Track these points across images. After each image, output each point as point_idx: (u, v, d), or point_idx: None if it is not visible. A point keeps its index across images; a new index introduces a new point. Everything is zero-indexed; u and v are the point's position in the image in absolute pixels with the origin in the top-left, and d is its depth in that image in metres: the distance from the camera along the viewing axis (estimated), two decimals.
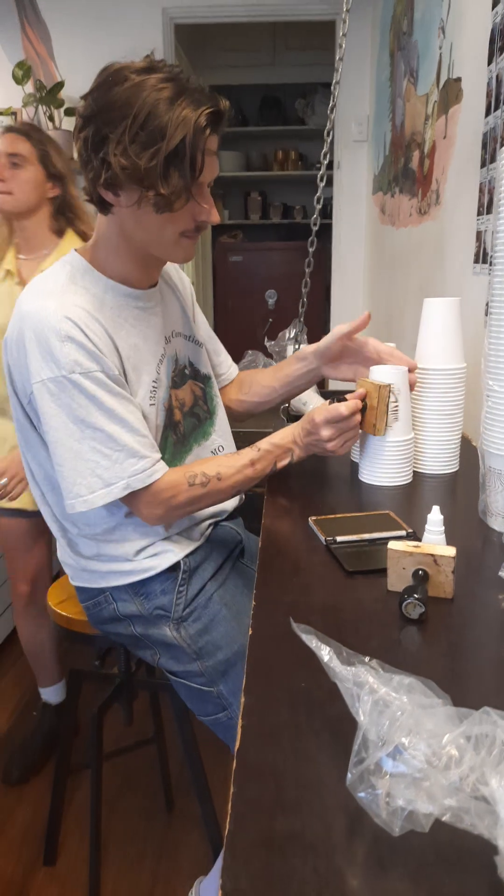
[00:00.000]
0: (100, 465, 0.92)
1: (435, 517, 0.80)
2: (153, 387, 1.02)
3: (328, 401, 1.04)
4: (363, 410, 1.04)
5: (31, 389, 0.93)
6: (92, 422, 0.91)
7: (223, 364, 1.27)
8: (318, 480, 1.16)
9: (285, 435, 1.04)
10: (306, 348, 1.18)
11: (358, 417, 1.03)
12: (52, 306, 0.91)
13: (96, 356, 0.91)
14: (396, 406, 1.06)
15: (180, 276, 1.21)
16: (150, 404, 1.02)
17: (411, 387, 1.10)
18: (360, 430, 1.07)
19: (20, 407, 0.99)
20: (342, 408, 1.01)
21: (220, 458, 1.04)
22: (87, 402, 0.91)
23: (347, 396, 1.04)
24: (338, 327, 1.13)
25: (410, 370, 1.10)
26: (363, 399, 1.04)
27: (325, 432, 1.00)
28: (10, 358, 0.96)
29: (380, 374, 1.06)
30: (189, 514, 1.05)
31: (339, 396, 1.04)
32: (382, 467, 1.08)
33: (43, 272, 0.99)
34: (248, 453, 1.02)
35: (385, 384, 1.03)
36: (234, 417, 1.28)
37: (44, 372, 0.90)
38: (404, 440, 1.08)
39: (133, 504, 0.98)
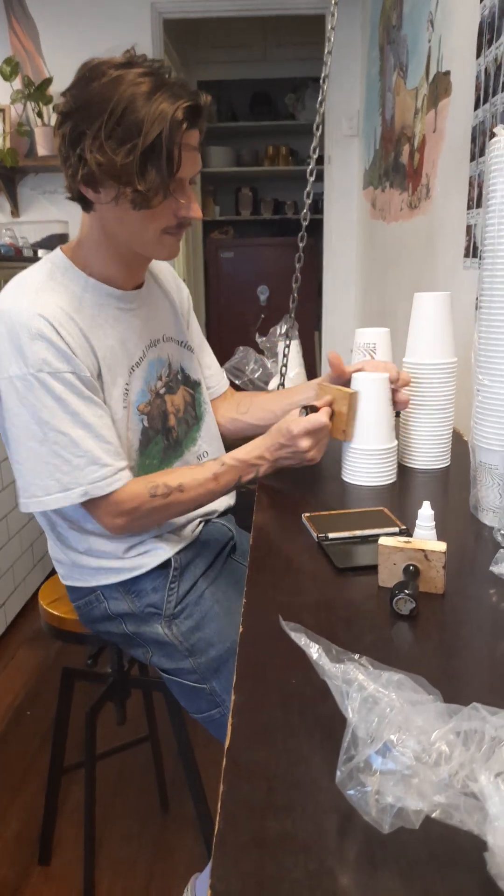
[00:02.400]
0: (59, 469, 0.91)
1: (426, 512, 0.80)
2: (125, 389, 1.01)
3: (298, 410, 1.03)
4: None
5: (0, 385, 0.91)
6: (55, 424, 0.90)
7: (213, 377, 1.25)
8: (309, 477, 1.16)
9: (251, 450, 1.02)
10: (310, 384, 1.16)
11: (329, 427, 1.02)
12: (26, 303, 0.90)
13: (67, 356, 0.90)
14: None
15: (178, 283, 1.20)
16: (123, 407, 1.00)
17: (404, 385, 1.07)
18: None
19: None
20: (323, 417, 0.99)
21: (184, 469, 1.03)
22: (52, 404, 0.89)
23: (317, 404, 1.03)
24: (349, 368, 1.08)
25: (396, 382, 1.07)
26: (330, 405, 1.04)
27: (305, 443, 0.99)
28: None
29: (361, 381, 1.05)
30: (153, 526, 1.03)
31: (307, 407, 1.03)
32: (367, 469, 1.07)
33: (24, 270, 0.99)
34: (212, 466, 1.01)
35: (353, 391, 1.03)
36: (226, 436, 1.25)
37: (12, 368, 0.89)
38: (389, 447, 1.07)
39: (94, 512, 0.96)
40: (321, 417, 0.99)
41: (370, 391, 1.04)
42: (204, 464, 1.02)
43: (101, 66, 0.87)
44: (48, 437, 0.90)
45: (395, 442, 1.08)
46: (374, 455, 1.05)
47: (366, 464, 1.05)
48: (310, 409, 1.03)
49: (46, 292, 0.93)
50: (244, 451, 1.02)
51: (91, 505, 0.94)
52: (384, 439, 1.06)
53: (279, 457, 1.01)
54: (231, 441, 1.26)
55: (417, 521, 0.80)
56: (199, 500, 1.01)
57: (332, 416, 1.03)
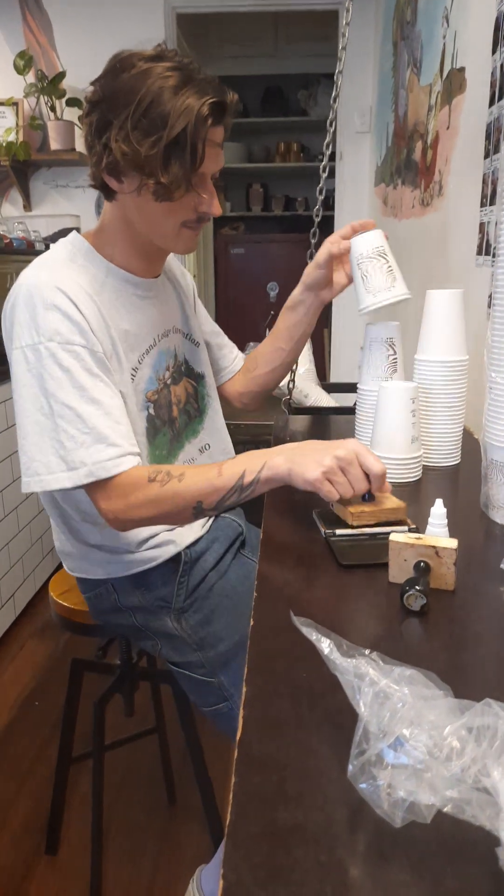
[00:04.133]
0: (63, 446, 0.86)
1: (438, 510, 0.80)
2: (132, 374, 1.00)
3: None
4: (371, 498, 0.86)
5: (12, 356, 0.91)
6: (61, 396, 0.86)
7: (227, 357, 1.26)
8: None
9: (266, 450, 0.91)
10: (294, 295, 1.14)
11: (366, 489, 0.84)
12: (45, 276, 0.90)
13: (82, 330, 0.89)
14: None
15: (182, 271, 1.20)
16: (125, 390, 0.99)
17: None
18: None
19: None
20: (382, 466, 0.83)
21: (194, 465, 0.98)
22: (60, 375, 0.87)
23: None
24: (319, 254, 1.07)
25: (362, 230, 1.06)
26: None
27: (345, 454, 0.82)
28: (4, 326, 0.95)
29: (358, 242, 1.04)
30: (150, 520, 0.93)
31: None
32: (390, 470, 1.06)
33: (45, 251, 0.99)
34: (220, 462, 0.91)
35: (402, 506, 0.87)
36: (253, 399, 1.25)
37: (24, 338, 0.88)
38: (415, 457, 1.06)
39: (93, 495, 0.91)
40: (382, 468, 0.83)
41: (394, 400, 1.02)
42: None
43: (131, 57, 0.88)
44: (54, 410, 0.87)
45: (421, 451, 1.07)
46: (400, 461, 1.04)
47: (389, 465, 1.05)
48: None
49: (67, 270, 0.93)
50: (259, 450, 0.92)
51: (92, 487, 0.90)
52: (410, 448, 1.04)
53: (297, 452, 0.86)
54: (251, 411, 1.24)
55: (430, 519, 0.80)
56: (200, 494, 0.88)
57: (372, 497, 0.86)
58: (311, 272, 1.10)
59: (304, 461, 0.83)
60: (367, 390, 1.14)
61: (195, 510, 0.89)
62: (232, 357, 1.27)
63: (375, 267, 1.04)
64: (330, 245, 1.06)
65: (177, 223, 0.95)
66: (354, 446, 0.83)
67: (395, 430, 1.03)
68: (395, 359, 1.08)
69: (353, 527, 0.85)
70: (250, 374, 1.25)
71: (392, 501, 0.87)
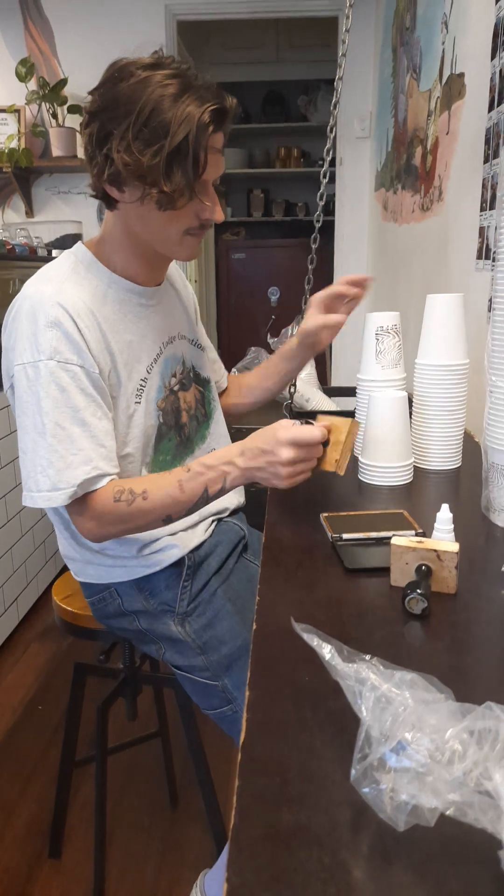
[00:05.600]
0: (52, 466, 0.89)
1: (444, 515, 0.80)
2: (140, 384, 1.01)
3: (294, 422, 0.91)
4: (324, 445, 0.92)
5: (13, 372, 0.92)
6: (55, 416, 0.89)
7: (217, 372, 1.27)
8: (321, 476, 1.16)
9: (223, 454, 0.93)
10: (289, 345, 1.19)
11: (320, 450, 0.91)
12: (48, 291, 0.91)
13: (80, 349, 0.90)
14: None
15: (184, 281, 1.21)
16: (136, 402, 1.01)
17: (360, 290, 1.13)
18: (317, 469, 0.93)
19: (10, 389, 0.97)
20: (316, 431, 0.88)
21: (154, 475, 0.97)
22: (56, 394, 0.89)
23: (314, 424, 0.92)
24: (316, 318, 1.12)
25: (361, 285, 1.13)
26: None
27: (287, 453, 0.87)
28: (5, 339, 0.96)
29: (378, 318, 1.11)
30: (121, 534, 0.97)
31: (303, 415, 0.98)
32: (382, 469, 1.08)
33: (50, 262, 1.00)
34: (178, 473, 0.93)
35: (355, 420, 0.93)
36: (233, 417, 1.28)
37: (26, 355, 0.90)
38: (406, 464, 1.08)
39: (72, 514, 0.94)
40: (314, 432, 0.88)
41: (387, 409, 1.05)
42: (172, 470, 0.95)
43: (129, 66, 0.88)
44: (47, 430, 0.89)
45: (412, 458, 1.10)
46: (391, 468, 1.07)
47: (381, 471, 1.07)
48: (305, 421, 0.92)
49: (70, 284, 0.94)
50: (215, 456, 0.93)
51: (70, 507, 0.93)
52: (402, 456, 1.07)
53: (253, 466, 0.90)
54: (240, 421, 1.30)
55: (436, 525, 0.80)
56: (166, 511, 0.92)
57: (326, 443, 0.91)
58: (307, 333, 1.13)
59: (263, 476, 0.90)
60: (368, 380, 1.16)
61: (165, 521, 0.94)
62: (221, 374, 1.29)
63: (392, 343, 1.12)
64: (324, 319, 1.12)
65: (180, 231, 0.95)
66: (285, 438, 0.87)
67: (385, 439, 1.06)
68: (400, 344, 1.12)
69: (342, 472, 0.92)
70: (231, 399, 1.28)
71: (337, 425, 0.92)
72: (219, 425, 1.20)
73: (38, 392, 0.89)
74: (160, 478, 0.94)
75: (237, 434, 1.23)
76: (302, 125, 4.60)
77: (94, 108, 0.89)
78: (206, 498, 0.92)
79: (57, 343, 0.89)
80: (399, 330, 1.15)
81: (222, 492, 0.93)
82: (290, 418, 1.50)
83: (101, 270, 0.99)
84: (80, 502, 0.92)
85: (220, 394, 1.27)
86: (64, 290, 0.92)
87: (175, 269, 1.19)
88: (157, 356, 1.05)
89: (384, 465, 1.06)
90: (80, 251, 1.00)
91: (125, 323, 0.99)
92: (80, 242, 1.02)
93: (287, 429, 0.88)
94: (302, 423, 0.90)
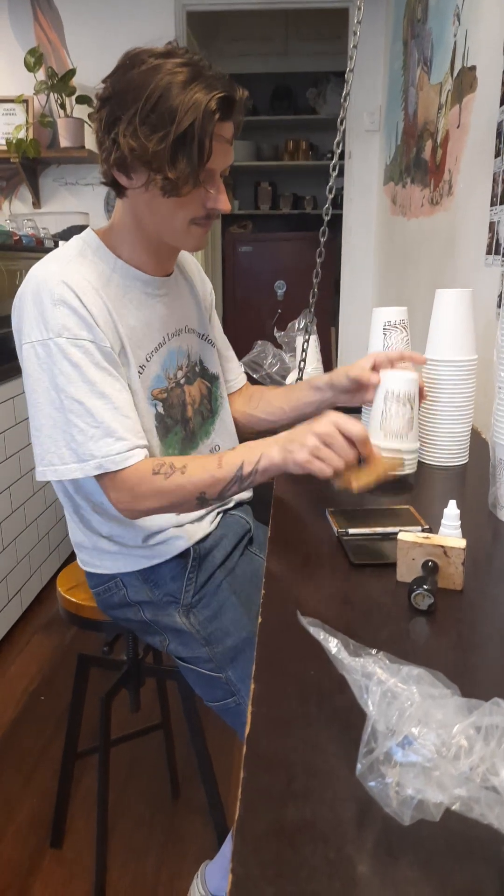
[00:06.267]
0: (74, 440, 0.90)
1: (451, 512, 0.79)
2: (139, 371, 1.01)
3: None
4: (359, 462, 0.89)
5: (23, 351, 0.93)
6: (71, 392, 0.90)
7: (232, 370, 1.26)
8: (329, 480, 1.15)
9: (264, 439, 0.93)
10: (321, 378, 1.12)
11: (352, 451, 0.86)
12: (54, 269, 0.92)
13: (89, 325, 0.91)
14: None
15: (202, 277, 1.21)
16: (133, 388, 1.00)
17: (421, 395, 1.05)
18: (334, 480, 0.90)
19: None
20: (362, 428, 0.86)
21: (196, 455, 0.97)
22: (70, 370, 0.90)
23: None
24: (355, 368, 1.06)
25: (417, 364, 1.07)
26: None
27: (325, 427, 0.85)
28: (14, 320, 0.97)
29: (392, 380, 1.01)
30: (156, 510, 0.96)
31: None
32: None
33: (56, 248, 1.00)
34: (220, 453, 0.94)
35: (400, 458, 0.92)
36: (240, 430, 1.24)
37: (34, 334, 0.91)
38: (412, 448, 1.06)
39: (104, 486, 0.94)
40: (360, 428, 0.85)
41: (401, 389, 1.01)
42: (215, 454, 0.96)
43: (142, 54, 0.88)
44: (64, 405, 0.90)
45: (418, 444, 1.08)
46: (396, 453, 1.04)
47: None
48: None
49: (75, 264, 0.94)
50: (257, 441, 0.94)
51: (102, 479, 0.94)
52: (411, 439, 1.05)
53: (289, 437, 0.89)
54: (246, 436, 1.25)
55: (443, 521, 0.80)
56: (203, 486, 0.91)
57: (361, 461, 0.88)
58: (341, 380, 1.07)
59: (292, 447, 0.88)
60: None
61: (199, 500, 0.93)
62: (235, 373, 1.26)
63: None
64: (368, 374, 1.04)
65: (185, 219, 0.95)
66: (333, 417, 0.86)
67: (394, 419, 1.03)
68: (408, 339, 1.11)
69: (356, 491, 0.87)
70: (246, 406, 1.24)
71: (386, 460, 0.89)
72: (225, 423, 1.19)
73: (51, 369, 0.90)
74: (200, 457, 0.96)
75: (240, 436, 1.22)
76: (310, 118, 4.57)
77: (105, 94, 0.89)
78: (240, 478, 0.90)
79: (65, 320, 0.89)
80: (407, 325, 1.14)
81: (254, 473, 0.90)
82: None
83: (107, 255, 0.99)
84: (115, 475, 0.92)
85: (233, 395, 1.25)
86: (69, 269, 0.92)
87: (194, 262, 1.19)
88: (159, 346, 1.04)
89: (391, 448, 1.04)
90: (88, 236, 1.00)
91: (129, 308, 1.00)
92: (89, 228, 1.02)
93: (337, 413, 0.88)
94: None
